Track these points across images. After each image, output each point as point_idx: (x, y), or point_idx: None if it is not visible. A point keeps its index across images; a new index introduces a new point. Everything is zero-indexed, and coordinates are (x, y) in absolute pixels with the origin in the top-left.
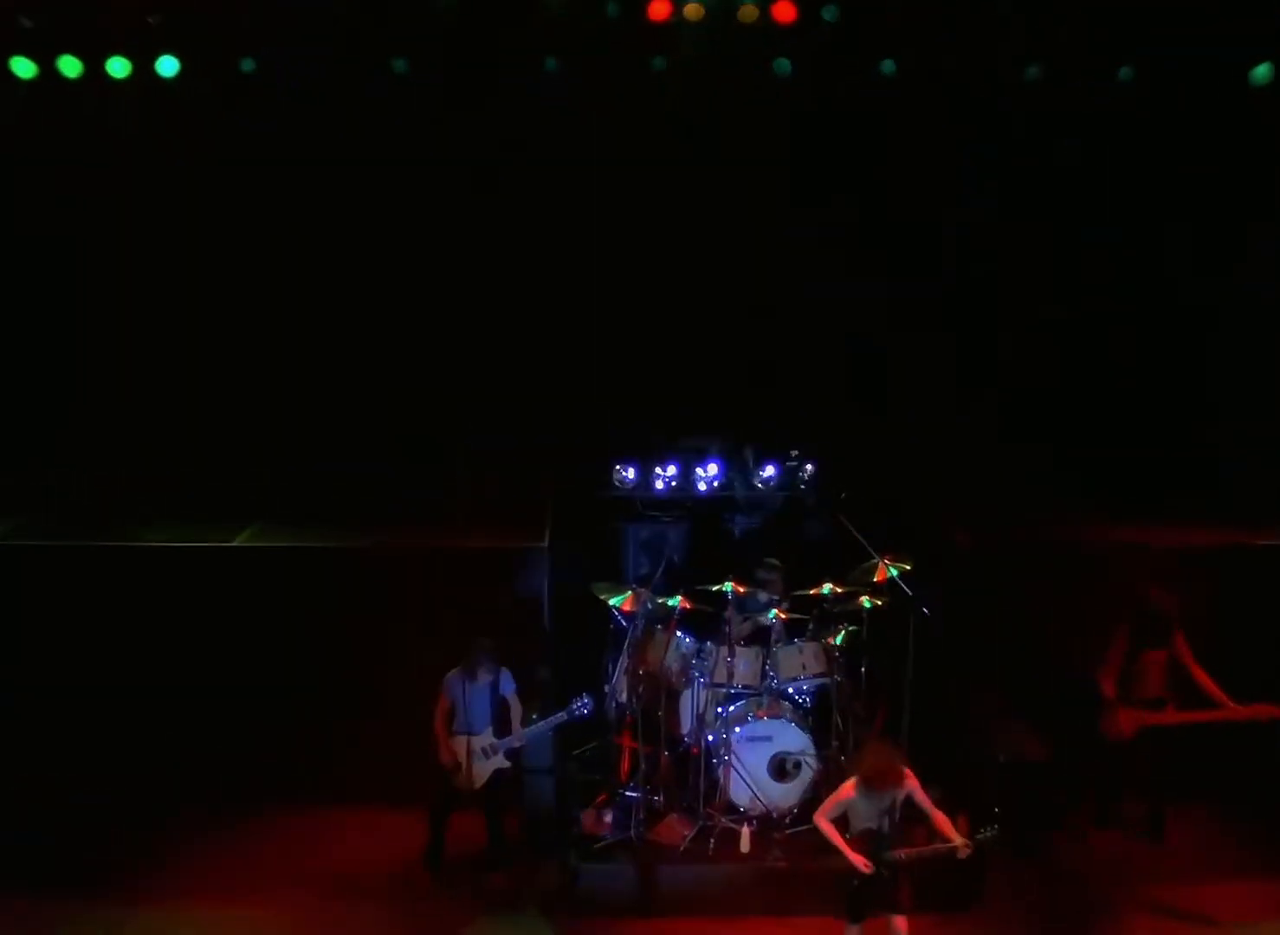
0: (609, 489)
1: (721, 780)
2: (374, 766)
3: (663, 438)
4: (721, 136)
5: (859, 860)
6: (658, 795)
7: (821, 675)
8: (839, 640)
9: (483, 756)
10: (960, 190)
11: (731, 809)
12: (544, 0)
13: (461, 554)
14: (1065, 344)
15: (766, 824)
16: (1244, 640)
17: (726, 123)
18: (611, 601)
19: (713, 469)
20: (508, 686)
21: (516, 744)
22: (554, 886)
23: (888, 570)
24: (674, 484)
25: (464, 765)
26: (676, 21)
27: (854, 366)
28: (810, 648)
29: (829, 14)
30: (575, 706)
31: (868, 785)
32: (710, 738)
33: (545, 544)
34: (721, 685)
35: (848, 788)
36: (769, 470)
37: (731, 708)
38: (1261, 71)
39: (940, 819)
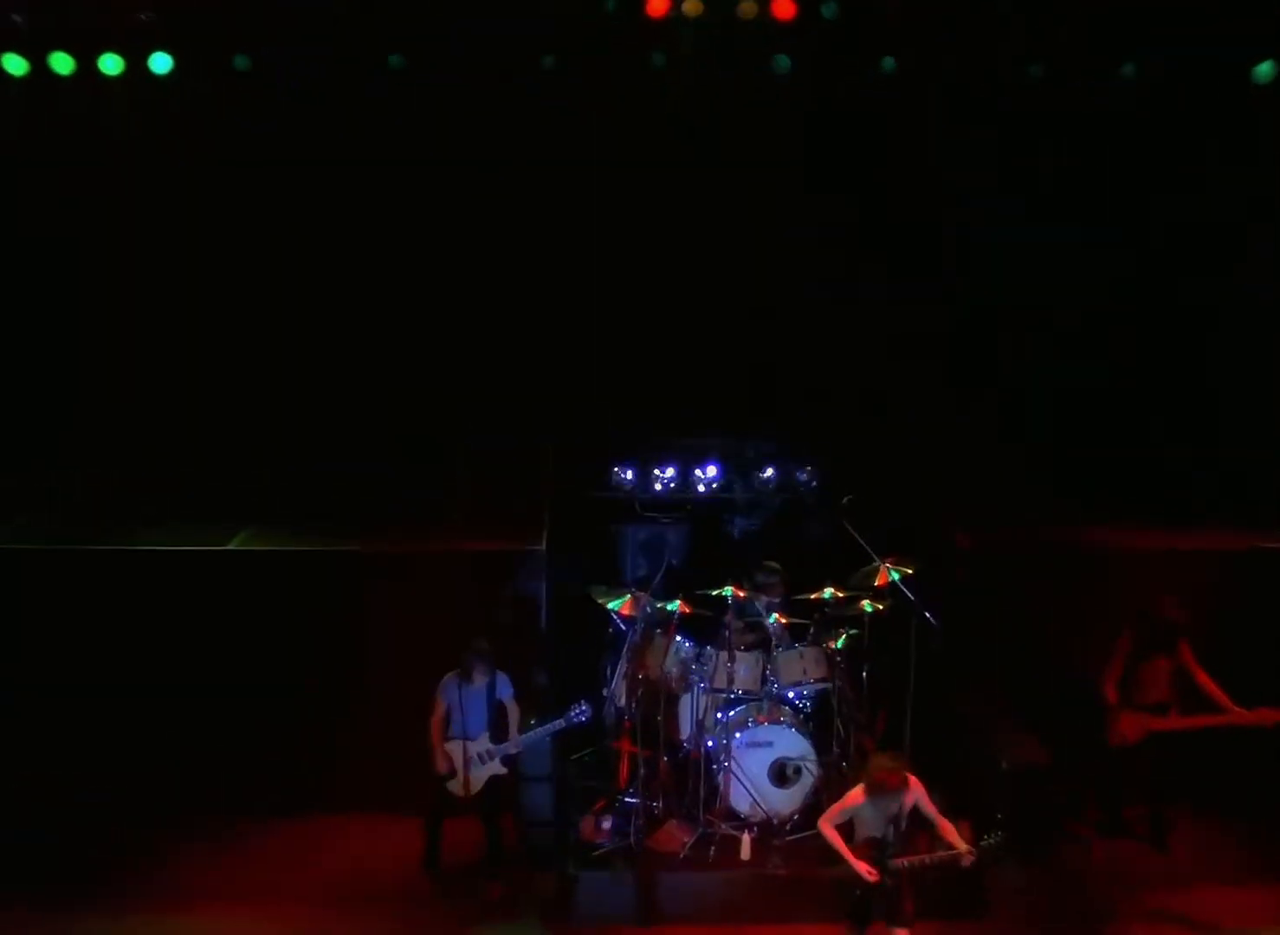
0: (608, 490)
1: (721, 786)
2: (373, 771)
3: (663, 438)
4: (721, 137)
5: (863, 868)
6: (657, 801)
7: (822, 680)
8: (840, 644)
9: (479, 762)
10: (960, 190)
11: (732, 815)
12: None
13: (458, 556)
14: (1065, 344)
15: (767, 831)
16: (1245, 643)
17: (726, 123)
18: (610, 605)
19: (711, 470)
20: (505, 691)
21: (513, 750)
22: (552, 894)
23: (889, 574)
24: (673, 485)
25: (460, 771)
26: (675, 18)
27: (854, 367)
28: (811, 652)
29: (828, 11)
30: (573, 713)
31: (874, 790)
32: (710, 743)
33: (543, 546)
34: (721, 690)
35: (855, 794)
36: (768, 471)
37: (731, 713)
38: (1264, 69)
39: (945, 827)
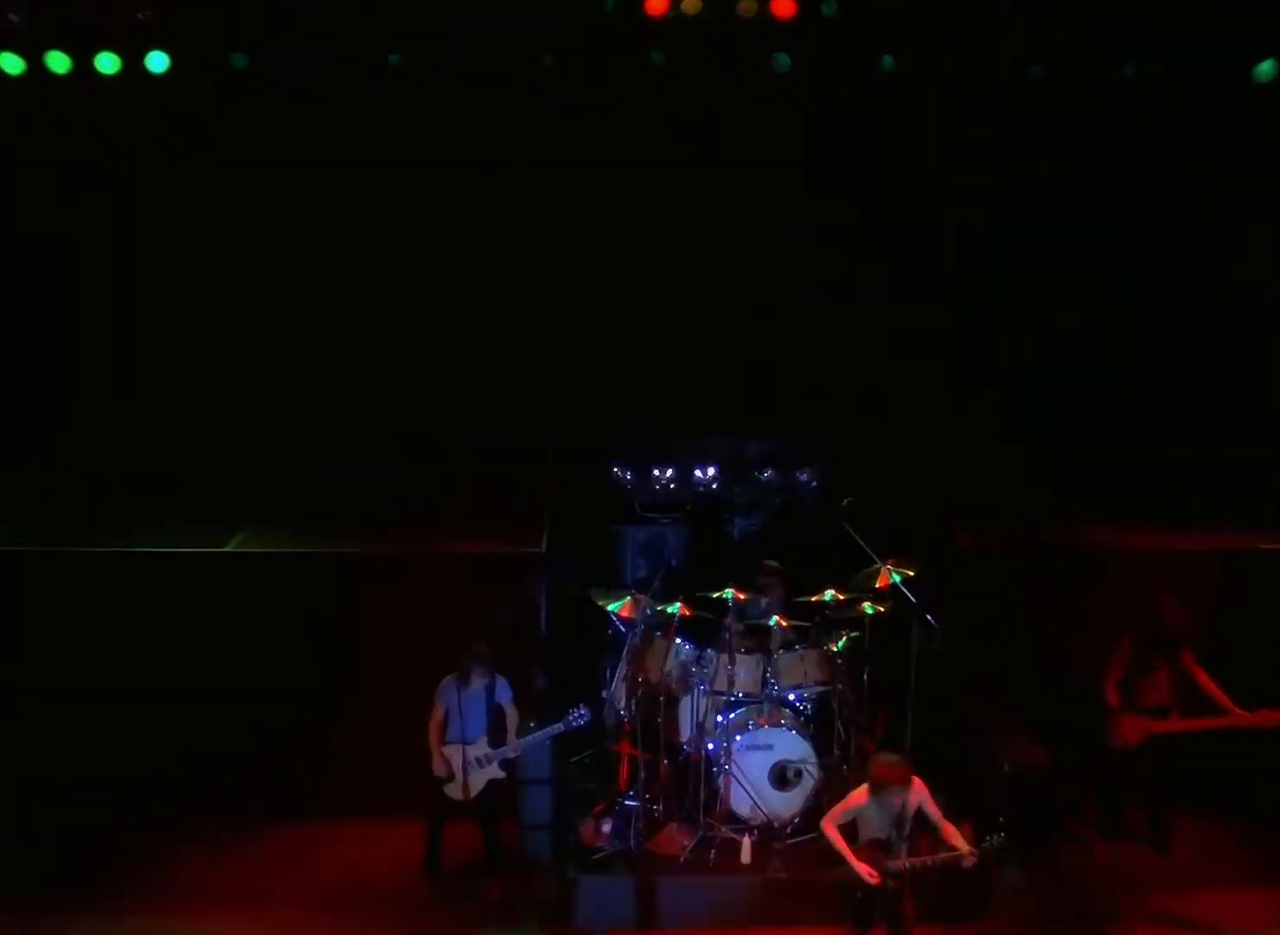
0: (608, 490)
1: (722, 789)
2: (371, 774)
3: (662, 438)
4: (721, 136)
5: (864, 870)
6: (657, 804)
7: (823, 683)
8: (840, 647)
9: (477, 766)
10: (960, 190)
11: (732, 818)
12: None
13: (457, 558)
14: (1065, 344)
15: (767, 834)
16: (1246, 644)
17: (726, 122)
18: (610, 607)
19: (711, 471)
20: (504, 694)
21: (511, 754)
22: (552, 898)
23: (890, 576)
24: (672, 486)
25: (458, 775)
26: (674, 16)
27: (854, 366)
28: (812, 655)
29: (828, 9)
30: (572, 717)
31: (877, 788)
32: (710, 746)
33: (542, 548)
34: (722, 693)
35: (858, 794)
36: (768, 472)
37: (732, 715)
38: (1265, 68)
39: (948, 829)
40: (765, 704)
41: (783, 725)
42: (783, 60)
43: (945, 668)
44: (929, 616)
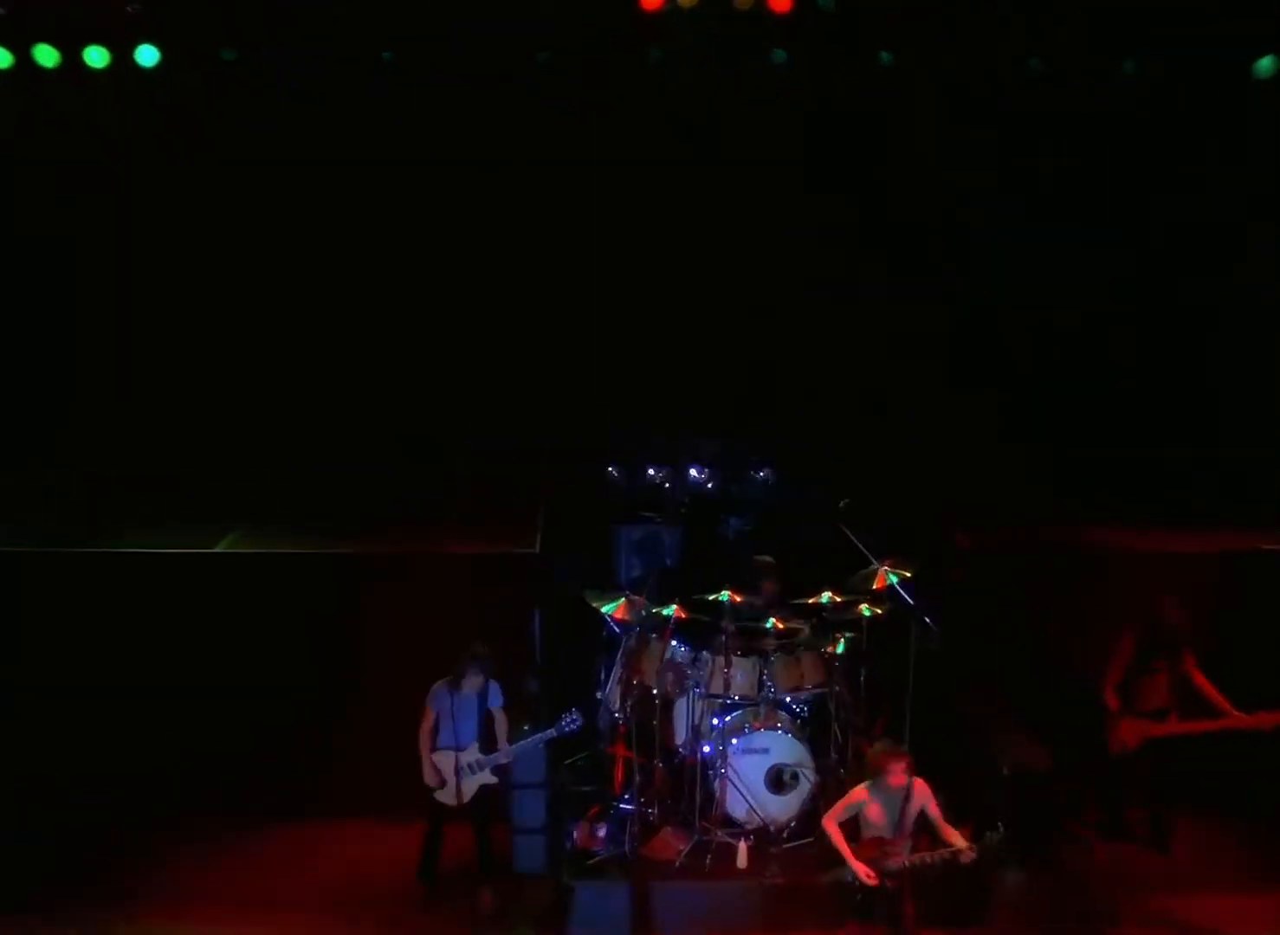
0: (603, 490)
1: (718, 793)
2: (370, 775)
3: (661, 437)
4: (721, 135)
5: (862, 869)
6: (652, 808)
7: (820, 685)
8: (839, 649)
9: (469, 772)
10: (960, 190)
11: (728, 822)
12: None
13: (452, 559)
14: (1065, 344)
15: (764, 838)
16: (1245, 645)
17: (726, 121)
18: (604, 609)
19: (708, 470)
20: (495, 700)
21: (504, 760)
22: (547, 903)
23: (887, 577)
24: (669, 485)
25: (450, 781)
26: (670, 10)
27: (854, 367)
28: (809, 658)
29: (824, 3)
30: (564, 722)
31: (877, 776)
32: (706, 749)
33: (536, 549)
34: (717, 696)
35: (858, 790)
36: (766, 472)
37: (728, 718)
38: (1265, 64)
39: (948, 830)
40: (761, 707)
41: (779, 729)
42: (780, 55)
43: (944, 668)
44: (926, 617)
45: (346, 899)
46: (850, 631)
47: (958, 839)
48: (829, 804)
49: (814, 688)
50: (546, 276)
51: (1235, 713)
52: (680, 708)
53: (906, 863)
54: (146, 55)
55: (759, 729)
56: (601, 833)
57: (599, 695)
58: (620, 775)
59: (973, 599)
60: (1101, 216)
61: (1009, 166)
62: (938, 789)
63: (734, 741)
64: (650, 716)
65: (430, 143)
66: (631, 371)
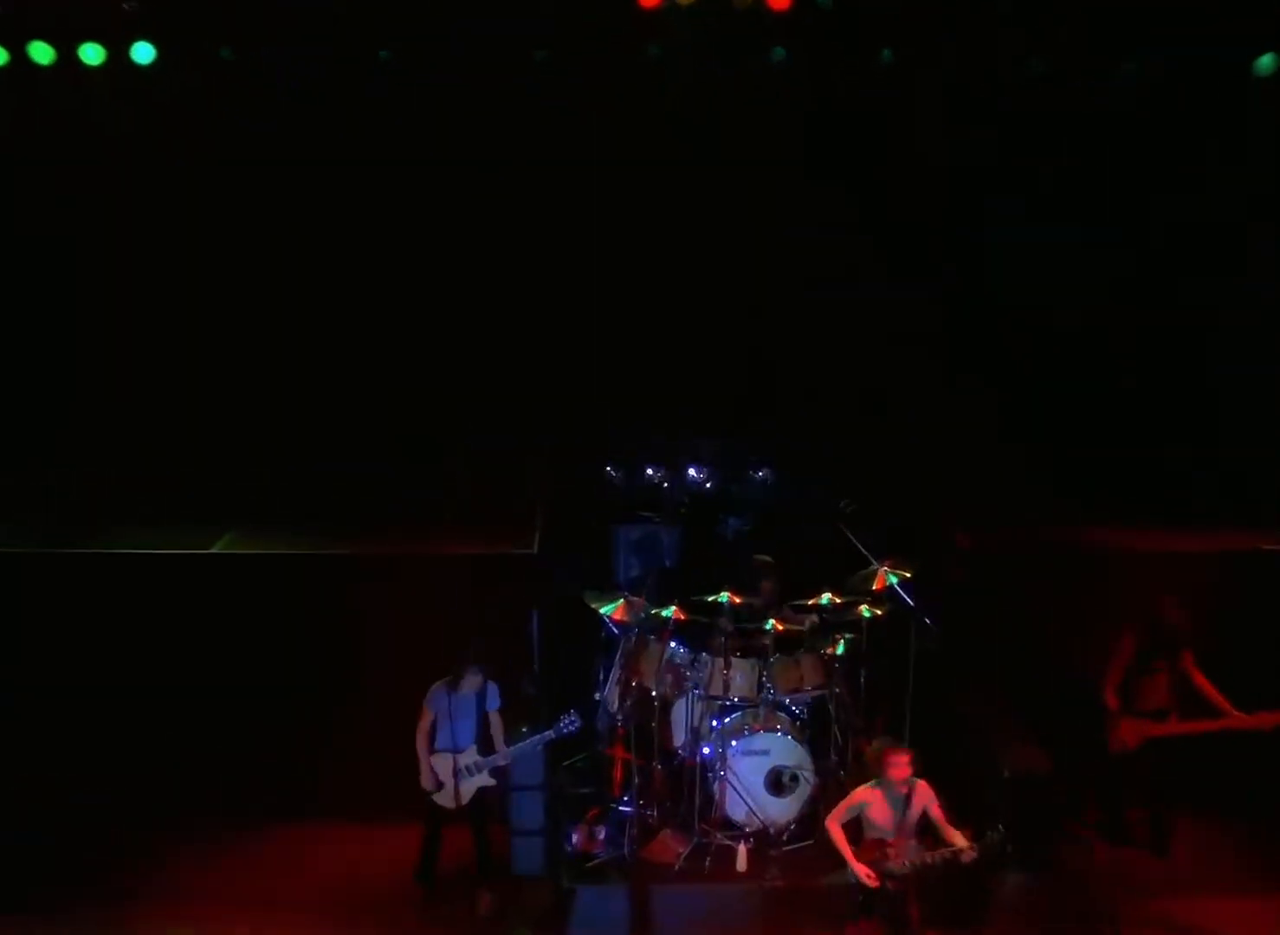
0: (602, 490)
1: (717, 795)
2: (369, 776)
3: (661, 437)
4: (721, 134)
5: (862, 870)
6: (651, 810)
7: (820, 687)
8: (839, 650)
9: (467, 774)
10: (960, 190)
11: (727, 825)
12: None
13: (449, 560)
14: (1065, 343)
15: (763, 841)
16: (1246, 645)
17: (725, 120)
18: (603, 610)
19: (708, 470)
20: (493, 702)
21: (501, 762)
22: (546, 906)
23: (887, 578)
24: (668, 485)
25: (448, 783)
26: (669, 7)
27: (853, 366)
28: (808, 659)
29: (824, 1)
30: (563, 724)
31: (878, 774)
32: (705, 751)
33: (534, 550)
34: (717, 697)
35: (861, 790)
36: (766, 472)
37: (727, 720)
38: (1265, 62)
39: (949, 830)
40: (761, 709)
41: (778, 730)
42: (779, 54)
43: (944, 669)
44: (926, 617)
45: (345, 900)
46: (850, 632)
47: (959, 839)
48: (829, 806)
49: (813, 689)
50: (546, 276)
51: (1235, 713)
52: (679, 709)
53: (908, 864)
54: (142, 53)
55: (758, 731)
56: (600, 835)
57: (597, 697)
58: (619, 777)
59: (973, 599)
60: (1101, 216)
61: (1009, 166)
62: (938, 789)
63: (733, 743)
64: (649, 718)
65: (429, 142)
66: (631, 371)
